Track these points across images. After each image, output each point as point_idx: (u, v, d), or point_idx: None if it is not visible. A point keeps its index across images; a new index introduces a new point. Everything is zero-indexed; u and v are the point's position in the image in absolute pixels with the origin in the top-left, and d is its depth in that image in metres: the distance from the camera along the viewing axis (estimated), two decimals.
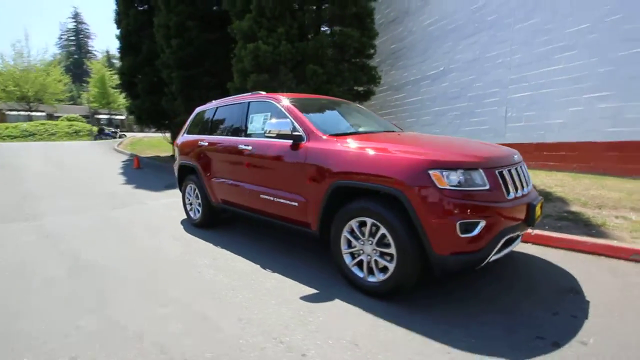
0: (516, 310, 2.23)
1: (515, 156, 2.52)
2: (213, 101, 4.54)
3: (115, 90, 38.14)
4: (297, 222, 2.97)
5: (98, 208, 5.58)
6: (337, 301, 2.40)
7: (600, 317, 2.12)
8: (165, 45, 10.51)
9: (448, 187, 2.07)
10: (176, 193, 7.08)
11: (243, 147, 3.44)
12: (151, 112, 12.73)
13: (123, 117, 39.61)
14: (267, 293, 2.56)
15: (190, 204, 4.53)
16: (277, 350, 1.89)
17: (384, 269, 2.36)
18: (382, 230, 2.28)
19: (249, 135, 3.52)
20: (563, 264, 2.96)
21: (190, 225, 4.51)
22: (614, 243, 3.07)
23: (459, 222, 2.04)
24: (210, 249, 3.60)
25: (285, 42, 7.40)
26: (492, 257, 2.18)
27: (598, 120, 5.56)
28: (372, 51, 8.51)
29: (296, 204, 2.89)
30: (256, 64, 7.51)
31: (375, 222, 2.32)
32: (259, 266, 3.08)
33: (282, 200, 3.02)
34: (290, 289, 2.62)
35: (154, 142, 18.73)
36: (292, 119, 2.97)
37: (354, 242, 2.50)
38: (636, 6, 5.06)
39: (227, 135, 3.83)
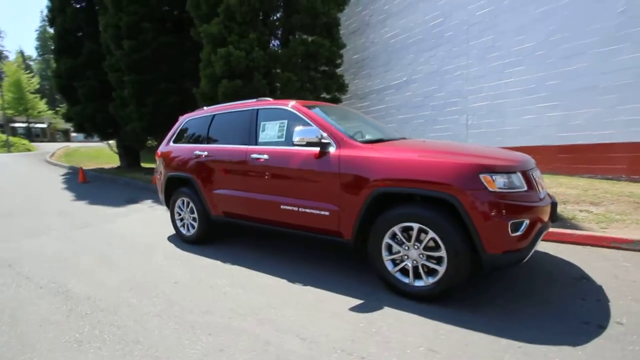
0: (550, 300, 2.44)
1: (532, 160, 2.78)
2: (204, 108, 4.26)
3: (35, 95, 33.50)
4: (326, 232, 2.90)
5: (58, 229, 4.84)
6: (387, 309, 2.39)
7: (619, 299, 2.42)
8: (115, 47, 9.57)
9: (497, 190, 2.21)
10: (143, 208, 6.50)
11: (256, 156, 3.27)
12: (95, 120, 11.42)
13: (44, 125, 34.87)
14: (312, 308, 2.45)
15: (181, 220, 4.16)
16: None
17: (431, 272, 2.42)
18: (431, 234, 2.34)
19: (261, 144, 3.36)
20: (562, 255, 3.32)
21: (181, 242, 4.14)
22: (597, 233, 3.55)
23: (510, 222, 2.19)
24: (219, 266, 3.34)
25: (258, 49, 7.25)
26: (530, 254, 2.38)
27: (548, 126, 6.38)
28: (340, 60, 8.73)
29: (327, 213, 2.83)
30: (228, 69, 7.22)
31: (422, 226, 2.37)
32: (285, 280, 2.95)
33: (309, 211, 2.93)
34: (332, 301, 2.54)
35: (92, 153, 16.84)
36: (317, 127, 2.92)
37: (396, 248, 2.53)
38: (576, 27, 5.94)
39: (231, 144, 3.61)
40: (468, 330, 2.10)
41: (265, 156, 3.20)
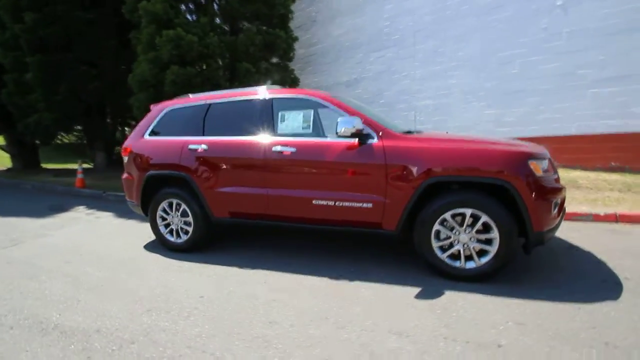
0: (566, 267, 2.80)
1: None
2: (190, 95, 3.70)
3: None
4: (365, 224, 2.83)
5: None
6: (448, 293, 2.44)
7: (610, 260, 2.94)
8: (11, 19, 7.59)
9: (542, 175, 2.47)
10: (80, 217, 5.40)
11: (280, 148, 2.98)
12: None
13: None
14: (378, 302, 2.36)
15: (167, 225, 3.55)
16: (469, 348, 1.83)
17: (481, 254, 2.58)
18: (484, 218, 2.49)
19: (282, 136, 3.08)
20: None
21: (167, 251, 3.55)
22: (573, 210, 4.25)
23: (553, 202, 2.47)
24: (241, 273, 2.96)
25: (213, 34, 6.62)
26: None
27: (486, 122, 7.37)
28: (292, 53, 8.57)
29: (370, 205, 2.75)
30: (178, 54, 6.42)
31: (476, 211, 2.50)
32: (327, 278, 2.77)
33: (348, 204, 2.80)
34: (391, 292, 2.49)
35: None
36: (356, 117, 2.81)
37: (444, 234, 2.61)
38: (507, 39, 6.98)
39: (239, 136, 3.22)
40: (530, 301, 2.28)
41: (292, 149, 2.95)
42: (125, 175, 3.80)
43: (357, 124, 2.70)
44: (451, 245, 2.62)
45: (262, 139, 3.09)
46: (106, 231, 4.54)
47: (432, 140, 2.70)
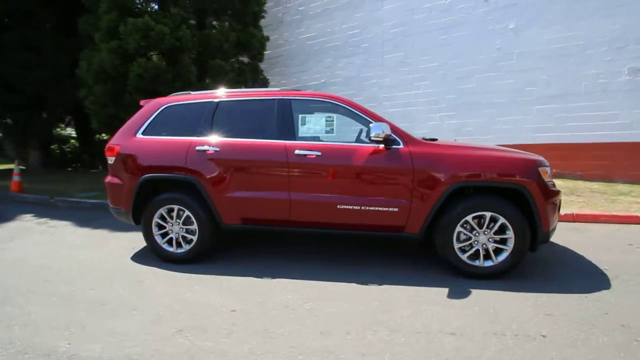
0: (563, 262, 3.17)
1: None
2: (191, 93, 3.41)
3: None
4: (389, 228, 2.91)
5: None
6: (475, 291, 2.59)
7: (592, 253, 3.37)
8: None
9: (548, 179, 2.79)
10: (31, 226, 4.69)
11: (303, 152, 2.90)
12: None
13: None
14: (418, 304, 2.43)
15: (165, 235, 3.22)
16: (520, 340, 1.98)
17: (496, 253, 2.81)
18: (502, 220, 2.72)
19: (302, 139, 3.00)
20: None
21: (162, 262, 3.22)
22: None
23: (557, 204, 2.80)
24: (263, 283, 2.81)
25: (185, 27, 6.18)
26: None
27: (448, 131, 8.00)
28: (263, 54, 8.39)
29: (396, 209, 2.83)
30: (147, 45, 5.87)
31: (494, 214, 2.73)
32: (355, 284, 2.77)
33: (374, 208, 2.85)
34: (424, 294, 2.58)
35: None
36: (383, 123, 2.86)
37: (464, 236, 2.79)
38: (466, 55, 7.67)
39: (254, 138, 3.06)
40: (544, 294, 2.55)
41: (317, 152, 2.89)
42: (110, 179, 3.36)
43: (387, 129, 2.76)
44: (471, 246, 2.81)
45: (282, 141, 2.98)
46: (75, 243, 3.95)
47: (455, 147, 2.88)
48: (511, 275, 2.85)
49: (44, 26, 7.38)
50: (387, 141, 2.83)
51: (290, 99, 3.10)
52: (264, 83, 8.40)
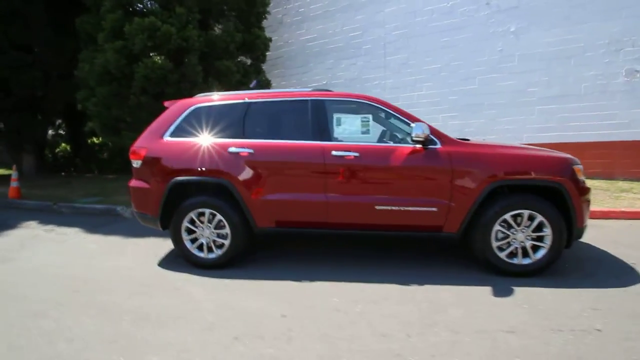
0: (592, 257, 3.23)
1: None
2: (221, 92, 3.34)
3: None
4: (427, 228, 2.91)
5: None
6: (518, 289, 2.59)
7: (614, 248, 3.44)
8: None
9: (582, 177, 2.85)
10: (39, 234, 4.54)
11: (341, 153, 2.88)
12: None
13: None
14: (465, 303, 2.43)
15: (195, 240, 3.13)
16: (578, 335, 2.00)
17: (533, 250, 2.84)
18: (539, 217, 2.76)
19: (338, 140, 2.98)
20: None
21: (194, 268, 3.13)
22: None
23: (589, 201, 2.86)
24: (300, 287, 2.76)
25: (192, 27, 6.07)
26: None
27: (451, 132, 8.07)
28: (266, 55, 8.33)
29: (435, 209, 2.83)
30: (153, 45, 5.74)
31: (532, 212, 2.76)
32: (396, 285, 2.75)
33: (413, 208, 2.85)
34: (467, 292, 2.59)
35: None
36: (421, 123, 2.86)
37: (502, 234, 2.82)
38: (468, 57, 7.80)
39: (290, 139, 3.01)
40: (585, 289, 2.59)
41: (355, 153, 2.87)
42: (135, 183, 3.25)
43: (426, 129, 2.77)
44: (508, 245, 2.84)
45: (318, 142, 2.95)
46: (92, 250, 3.80)
47: (492, 147, 2.92)
48: (547, 271, 2.89)
49: (35, 24, 7.09)
50: (425, 141, 2.83)
51: (324, 100, 3.07)
52: (266, 84, 8.32)
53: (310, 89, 3.21)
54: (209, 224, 3.09)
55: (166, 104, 3.43)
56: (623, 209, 4.92)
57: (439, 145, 2.86)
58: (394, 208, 2.87)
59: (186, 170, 3.06)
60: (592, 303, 2.39)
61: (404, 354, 1.89)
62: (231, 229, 3.04)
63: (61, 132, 12.12)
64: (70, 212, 5.57)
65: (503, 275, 2.84)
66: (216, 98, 3.26)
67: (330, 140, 2.97)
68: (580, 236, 2.90)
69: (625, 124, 6.56)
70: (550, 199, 2.80)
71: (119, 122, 6.31)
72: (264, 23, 10.11)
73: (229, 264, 3.14)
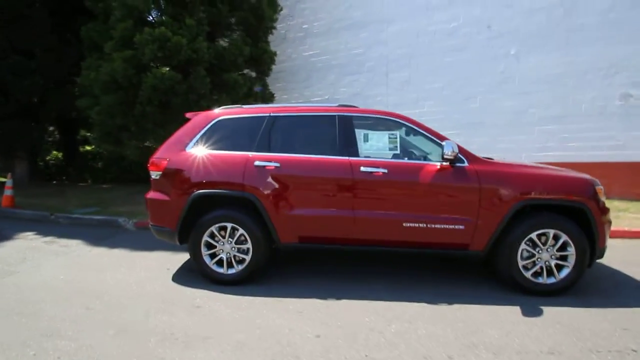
0: (607, 277, 3.24)
1: None
2: (243, 106, 3.30)
3: None
4: (454, 246, 2.90)
5: None
6: (546, 308, 2.58)
7: (623, 267, 3.48)
8: None
9: (603, 198, 2.90)
10: (40, 246, 4.33)
11: (370, 169, 2.86)
12: None
13: None
14: (497, 323, 2.39)
15: (214, 255, 3.03)
16: (617, 356, 2.01)
17: (558, 270, 2.85)
18: (564, 237, 2.78)
19: (366, 156, 2.97)
20: None
21: (211, 284, 3.02)
22: None
23: (610, 221, 2.91)
24: (327, 305, 2.68)
25: (202, 39, 6.09)
26: None
27: None
28: (272, 68, 8.40)
29: (462, 226, 2.83)
30: (163, 56, 5.71)
31: (557, 231, 2.78)
32: (425, 303, 2.69)
33: (440, 226, 2.83)
34: (496, 312, 2.56)
35: None
36: (449, 141, 2.88)
37: (528, 253, 2.82)
38: (470, 78, 8.02)
39: (317, 153, 2.99)
40: (610, 309, 2.58)
41: (384, 169, 2.86)
42: (153, 195, 3.15)
43: (455, 148, 2.79)
44: (533, 264, 2.84)
45: (347, 158, 2.93)
46: (98, 263, 3.64)
47: (518, 166, 2.95)
48: (570, 290, 2.90)
49: (39, 30, 7.00)
50: (454, 159, 2.85)
51: (351, 115, 3.08)
52: (269, 98, 8.35)
53: (336, 105, 3.22)
54: (230, 239, 3.01)
55: (188, 115, 3.39)
56: (626, 229, 5.03)
57: (466, 164, 2.88)
58: (421, 225, 2.85)
59: (209, 183, 2.99)
60: (621, 322, 2.39)
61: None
62: (253, 243, 2.97)
63: (51, 139, 11.86)
64: (68, 223, 5.36)
65: (527, 294, 2.84)
66: (240, 111, 3.23)
67: (357, 155, 2.96)
68: (601, 256, 2.92)
69: (620, 145, 6.79)
70: (573, 218, 2.84)
71: (122, 131, 6.19)
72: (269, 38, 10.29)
73: (248, 281, 3.04)
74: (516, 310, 2.60)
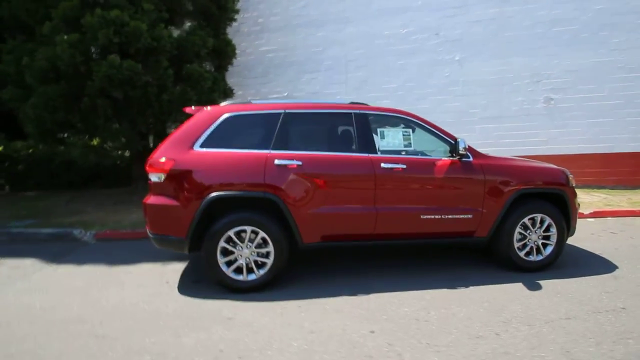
0: (578, 252, 3.89)
1: None
2: (253, 102, 3.12)
3: None
4: (462, 234, 3.17)
5: None
6: (542, 282, 2.99)
7: (589, 242, 4.24)
8: None
9: (574, 185, 3.45)
10: (24, 264, 3.44)
11: (390, 165, 2.96)
12: None
13: None
14: (517, 300, 2.70)
15: (231, 261, 2.82)
16: (614, 314, 2.40)
17: (544, 248, 3.31)
18: (548, 220, 3.24)
19: (383, 153, 3.06)
20: None
21: (224, 294, 2.82)
22: None
23: (579, 204, 3.48)
24: (359, 302, 2.72)
25: (163, 26, 5.53)
26: None
27: None
28: (232, 62, 8.00)
29: (470, 216, 3.11)
30: (120, 42, 5.04)
31: (543, 215, 3.22)
32: (445, 289, 2.91)
33: (452, 216, 3.08)
34: (508, 290, 2.87)
35: None
36: (460, 139, 3.12)
37: (522, 235, 3.22)
38: (421, 80, 8.68)
39: (337, 151, 2.98)
40: (588, 277, 3.08)
41: (403, 165, 2.99)
42: (156, 200, 2.80)
43: (465, 144, 3.05)
44: (524, 245, 3.26)
45: (367, 154, 2.99)
46: (75, 285, 3.12)
47: (511, 160, 3.34)
48: (553, 265, 3.39)
49: None
50: (466, 154, 3.11)
51: (367, 113, 3.14)
52: (230, 93, 7.93)
53: (348, 102, 3.25)
54: (250, 243, 2.83)
55: (188, 110, 3.07)
56: None
57: (471, 159, 3.17)
58: (436, 217, 3.05)
59: (227, 184, 2.77)
60: (601, 288, 2.89)
61: (510, 351, 2.03)
62: (275, 246, 2.84)
63: None
64: (7, 240, 4.41)
65: (521, 272, 3.24)
66: (250, 107, 3.05)
67: (375, 152, 3.04)
68: (573, 233, 3.48)
69: (544, 142, 8.09)
70: (553, 203, 3.33)
71: (64, 127, 5.27)
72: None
73: (268, 286, 2.91)
74: (520, 286, 2.96)
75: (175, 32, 6.10)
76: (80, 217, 5.21)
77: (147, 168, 2.85)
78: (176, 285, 3.05)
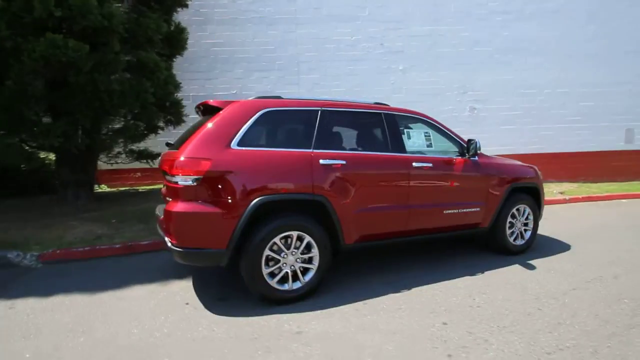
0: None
1: None
2: (284, 98, 2.87)
3: None
4: (471, 226, 3.54)
5: None
6: (534, 262, 3.56)
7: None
8: None
9: (542, 178, 4.15)
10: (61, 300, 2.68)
11: (421, 164, 3.11)
12: None
13: None
14: (525, 279, 3.14)
15: (274, 273, 2.58)
16: (603, 280, 3.03)
17: (522, 236, 3.90)
18: (528, 209, 3.85)
19: (410, 152, 3.18)
20: None
21: (265, 306, 2.60)
22: None
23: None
24: (408, 296, 2.82)
25: (114, 2, 4.68)
26: None
27: None
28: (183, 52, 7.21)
29: (478, 209, 3.49)
30: (63, 17, 4.09)
31: (525, 205, 3.82)
32: (467, 277, 3.20)
33: (467, 210, 3.41)
34: (514, 272, 3.32)
35: None
36: (475, 140, 3.46)
37: (510, 223, 3.74)
38: (369, 85, 9.19)
39: (371, 150, 3.00)
40: (562, 254, 3.84)
41: (429, 164, 3.17)
42: (188, 207, 2.37)
43: (480, 145, 3.41)
44: (512, 232, 3.81)
45: (400, 154, 3.08)
46: (64, 323, 2.40)
47: (502, 159, 3.83)
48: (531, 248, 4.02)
49: None
50: (474, 154, 3.46)
51: (394, 114, 3.24)
52: (178, 87, 7.10)
53: (372, 102, 3.30)
54: (295, 250, 2.63)
55: (214, 103, 2.68)
56: None
57: (476, 158, 3.55)
58: (455, 211, 3.34)
59: (272, 187, 2.51)
60: (574, 262, 3.56)
61: (561, 321, 2.36)
62: (320, 251, 2.70)
63: None
64: None
65: (509, 255, 3.76)
66: (286, 102, 2.83)
67: (405, 152, 3.15)
68: (540, 218, 4.20)
69: None
70: (529, 195, 3.96)
71: None
72: None
73: (312, 291, 2.75)
74: (519, 268, 3.44)
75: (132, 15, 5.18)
76: (3, 236, 3.98)
77: (173, 170, 2.38)
78: (201, 305, 2.63)
